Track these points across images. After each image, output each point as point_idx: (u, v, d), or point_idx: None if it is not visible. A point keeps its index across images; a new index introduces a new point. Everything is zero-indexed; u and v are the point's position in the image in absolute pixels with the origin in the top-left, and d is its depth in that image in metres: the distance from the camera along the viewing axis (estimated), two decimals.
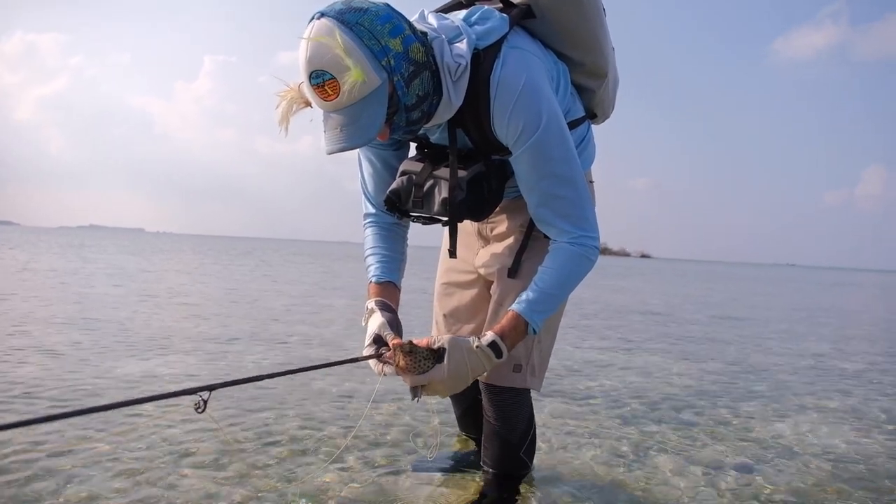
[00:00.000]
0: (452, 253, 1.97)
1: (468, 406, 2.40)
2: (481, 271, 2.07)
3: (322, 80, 1.42)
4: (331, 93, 1.43)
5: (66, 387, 3.36)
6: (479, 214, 1.79)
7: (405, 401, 3.36)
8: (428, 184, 1.74)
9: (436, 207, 1.73)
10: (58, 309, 6.62)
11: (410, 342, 1.63)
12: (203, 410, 1.29)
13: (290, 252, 41.00)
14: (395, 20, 1.49)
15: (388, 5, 1.52)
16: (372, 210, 1.98)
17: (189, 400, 1.32)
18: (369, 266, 1.95)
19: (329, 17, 1.42)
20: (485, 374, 1.89)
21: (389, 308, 1.83)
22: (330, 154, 1.49)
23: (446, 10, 1.86)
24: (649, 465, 2.56)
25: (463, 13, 1.72)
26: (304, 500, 2.02)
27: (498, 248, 2.01)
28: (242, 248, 46.62)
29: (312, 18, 1.44)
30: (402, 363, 1.61)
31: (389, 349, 1.67)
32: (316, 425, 2.87)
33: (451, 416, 2.67)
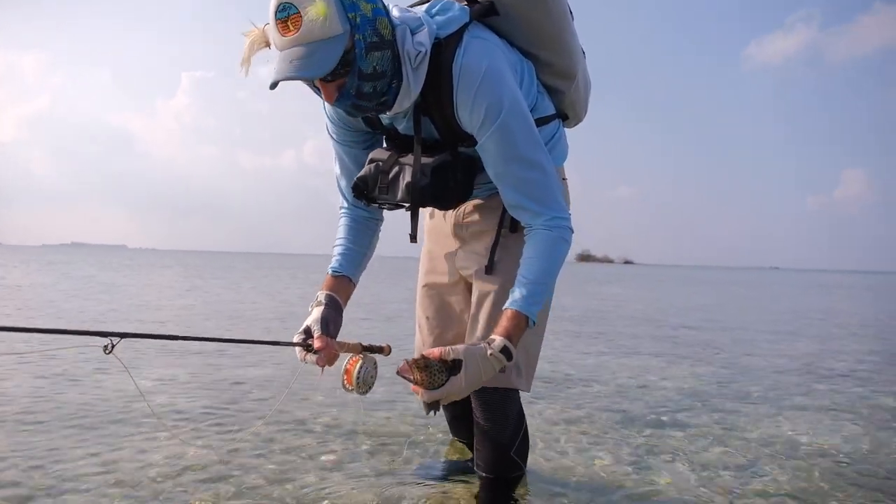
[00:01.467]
0: (413, 238, 1.96)
1: (459, 409, 2.35)
2: (461, 272, 2.07)
3: (287, 13, 1.42)
4: (291, 28, 1.43)
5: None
6: (444, 202, 1.80)
7: (397, 409, 3.30)
8: (394, 170, 1.76)
9: (399, 193, 1.75)
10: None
11: (423, 357, 1.59)
12: (110, 352, 1.39)
13: (274, 266, 40.89)
14: None
15: None
16: (344, 203, 2.02)
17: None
18: (332, 256, 1.98)
19: None
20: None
21: (334, 303, 1.86)
22: (273, 84, 1.45)
23: (411, 6, 1.86)
24: (647, 468, 2.51)
25: (424, 6, 1.74)
26: None
27: (474, 247, 2.02)
28: (225, 262, 46.46)
29: None
30: (418, 378, 1.58)
31: (314, 342, 1.69)
32: (312, 432, 2.80)
33: (443, 423, 2.62)
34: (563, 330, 7.51)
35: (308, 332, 1.75)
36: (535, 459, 2.48)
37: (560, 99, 2.01)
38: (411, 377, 1.58)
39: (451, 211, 2.05)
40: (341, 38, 1.45)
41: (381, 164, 1.79)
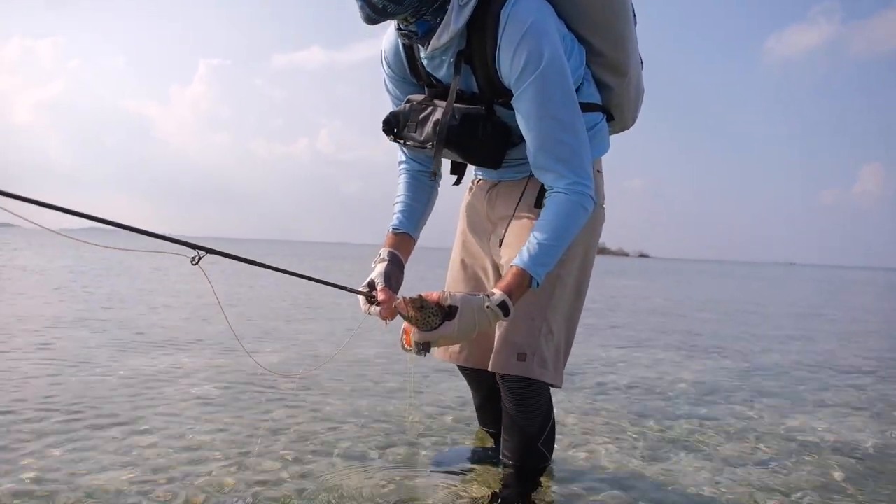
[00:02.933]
0: (433, 174, 1.99)
1: (486, 395, 2.37)
2: (497, 260, 2.08)
3: None
4: None
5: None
6: (468, 150, 1.82)
7: (421, 397, 3.33)
8: (427, 111, 1.80)
9: (426, 132, 1.78)
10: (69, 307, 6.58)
11: (420, 297, 1.65)
12: (196, 263, 1.53)
13: (287, 254, 40.99)
14: None
15: None
16: (403, 157, 2.06)
17: None
18: (393, 213, 2.02)
19: None
20: (491, 361, 1.94)
21: (396, 259, 1.91)
22: None
23: None
24: (667, 460, 2.53)
25: None
26: (324, 495, 1.98)
27: (508, 240, 2.01)
28: (241, 249, 46.61)
29: None
30: (412, 315, 1.63)
31: (378, 294, 1.74)
32: (347, 422, 2.84)
33: (467, 414, 2.64)
34: (580, 323, 7.50)
35: (372, 286, 1.79)
36: (555, 450, 2.51)
37: (608, 96, 2.00)
38: (406, 313, 1.62)
39: (495, 202, 2.06)
40: None
41: (415, 103, 1.83)
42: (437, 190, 2.08)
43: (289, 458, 2.34)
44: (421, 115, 1.79)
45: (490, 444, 2.48)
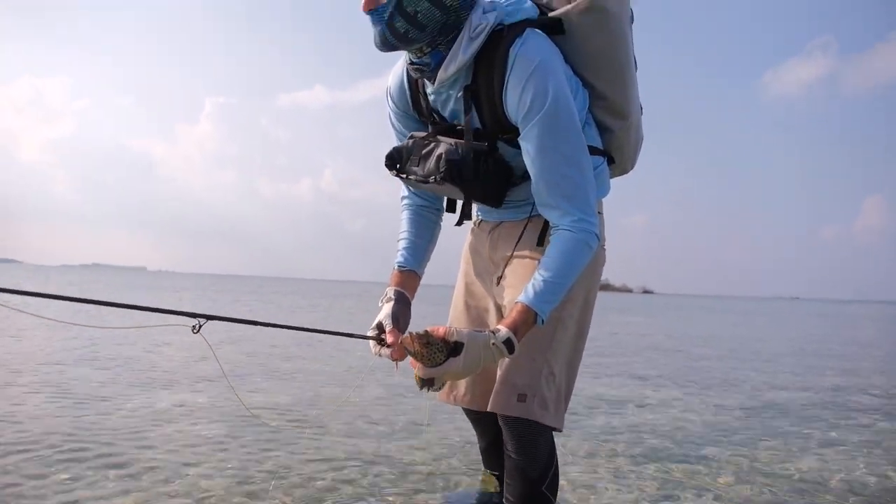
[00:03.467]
0: (464, 217, 2.01)
1: (491, 439, 2.34)
2: (499, 301, 2.08)
3: None
4: None
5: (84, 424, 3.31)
6: (468, 186, 1.81)
7: (426, 437, 3.30)
8: (430, 146, 1.81)
9: (430, 166, 1.78)
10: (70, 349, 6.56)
11: (427, 332, 1.64)
12: (198, 332, 1.52)
13: (289, 291, 40.99)
14: None
15: None
16: (406, 192, 2.07)
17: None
18: (397, 250, 2.02)
19: None
20: (491, 402, 1.92)
21: (403, 298, 1.90)
22: None
23: None
24: (673, 502, 2.48)
25: None
26: None
27: (510, 281, 2.01)
28: (252, 286, 46.65)
29: None
30: (418, 351, 1.62)
31: (387, 337, 1.73)
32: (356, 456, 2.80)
33: (473, 456, 2.61)
34: (584, 360, 7.44)
35: (381, 328, 1.79)
36: (560, 493, 2.46)
37: (608, 138, 2.02)
38: (412, 349, 1.62)
39: (497, 243, 2.06)
40: None
41: (418, 139, 1.85)
42: (440, 224, 2.10)
43: (291, 501, 2.31)
44: (424, 151, 1.81)
45: (495, 487, 2.44)
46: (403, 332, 1.79)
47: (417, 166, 1.81)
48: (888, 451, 3.52)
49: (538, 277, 1.71)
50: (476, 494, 2.47)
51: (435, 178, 1.79)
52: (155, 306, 1.59)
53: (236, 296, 25.43)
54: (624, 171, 2.19)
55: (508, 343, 1.66)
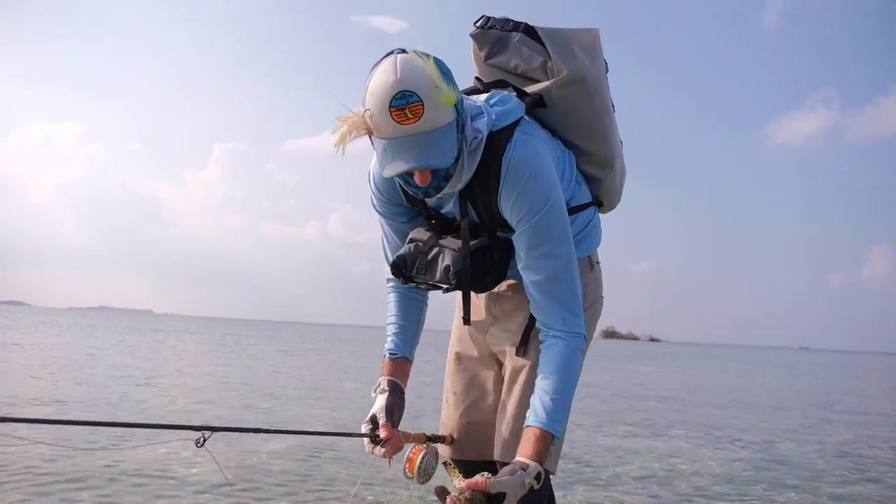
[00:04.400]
0: (466, 320, 2.00)
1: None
2: (492, 348, 2.07)
3: (407, 101, 1.45)
4: (411, 116, 1.45)
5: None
6: (480, 285, 1.83)
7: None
8: (433, 252, 1.79)
9: (438, 275, 1.77)
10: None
11: (472, 493, 1.59)
12: (202, 445, 1.46)
13: (293, 335, 40.75)
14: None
15: None
16: (391, 276, 2.00)
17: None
18: (386, 336, 2.00)
19: (413, 51, 1.50)
20: (497, 452, 1.89)
21: (396, 389, 1.86)
22: (392, 175, 1.51)
23: (467, 93, 1.94)
24: None
25: (484, 96, 1.81)
26: None
27: (506, 325, 2.01)
28: (256, 331, 46.43)
29: (391, 53, 1.50)
30: None
31: (381, 432, 1.70)
32: None
33: None
34: (591, 409, 7.42)
35: (374, 421, 1.77)
36: None
37: (597, 186, 2.05)
38: None
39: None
40: (454, 124, 1.52)
41: (420, 244, 1.82)
42: (426, 304, 2.06)
43: None
44: (429, 257, 1.80)
45: None
46: (397, 425, 1.78)
47: (424, 274, 1.80)
48: None
49: (545, 397, 1.70)
50: None
51: (446, 288, 1.82)
52: (155, 423, 1.56)
53: (238, 339, 25.31)
54: (612, 208, 2.22)
55: (538, 477, 1.62)
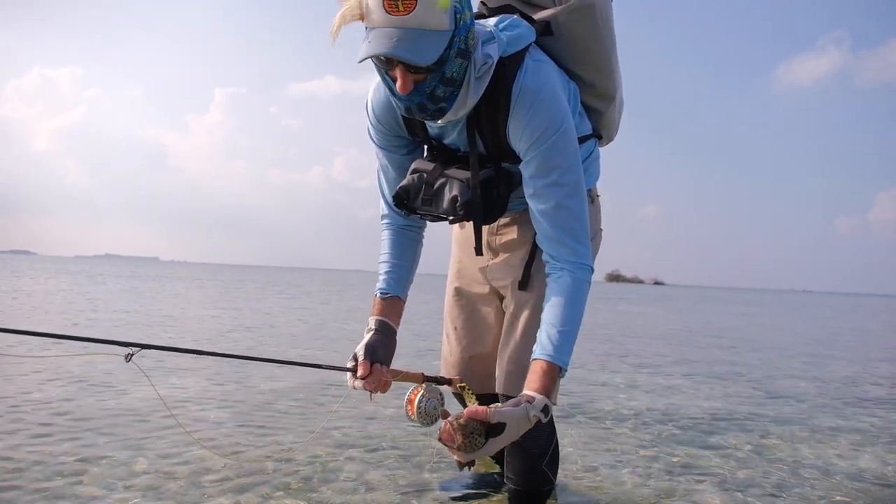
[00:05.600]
0: (479, 250, 1.97)
1: None
2: (493, 283, 2.06)
3: None
4: (402, 9, 1.42)
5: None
6: (487, 217, 1.80)
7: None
8: (438, 182, 1.76)
9: (444, 205, 1.75)
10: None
11: (467, 419, 1.53)
12: (129, 360, 1.47)
13: (298, 281, 41.13)
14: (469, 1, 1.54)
15: None
16: (386, 210, 1.99)
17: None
18: (379, 275, 1.96)
19: None
20: (500, 384, 1.92)
21: (385, 328, 1.85)
22: (365, 58, 1.45)
23: (476, 17, 1.88)
24: (677, 487, 2.49)
25: (493, 20, 1.75)
26: None
27: (507, 259, 2.01)
28: (261, 277, 46.89)
29: None
30: (460, 443, 1.54)
31: (358, 369, 1.69)
32: (340, 443, 2.82)
33: None
34: (593, 348, 7.46)
35: (356, 359, 1.76)
36: (563, 476, 2.47)
37: (597, 118, 2.02)
38: (455, 443, 1.53)
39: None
40: (446, 34, 1.46)
41: (425, 174, 1.79)
42: (422, 242, 2.03)
43: (295, 482, 2.33)
44: (434, 187, 1.76)
45: (496, 468, 2.45)
46: (386, 364, 1.76)
47: (429, 206, 1.77)
48: (893, 439, 3.51)
49: (552, 330, 1.67)
50: (477, 474, 2.48)
51: (452, 219, 1.79)
52: (84, 336, 1.56)
53: (248, 285, 25.51)
54: (610, 140, 2.19)
55: (545, 409, 1.62)
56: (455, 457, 1.58)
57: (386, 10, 1.42)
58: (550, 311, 1.70)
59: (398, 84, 1.51)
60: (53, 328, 7.23)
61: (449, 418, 1.57)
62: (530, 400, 1.62)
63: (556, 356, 1.65)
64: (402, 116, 1.83)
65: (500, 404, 1.60)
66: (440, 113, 1.62)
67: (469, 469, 1.67)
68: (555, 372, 1.66)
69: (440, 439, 1.55)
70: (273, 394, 3.99)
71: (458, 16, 1.48)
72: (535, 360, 1.68)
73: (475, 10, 1.97)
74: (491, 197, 1.76)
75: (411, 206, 1.81)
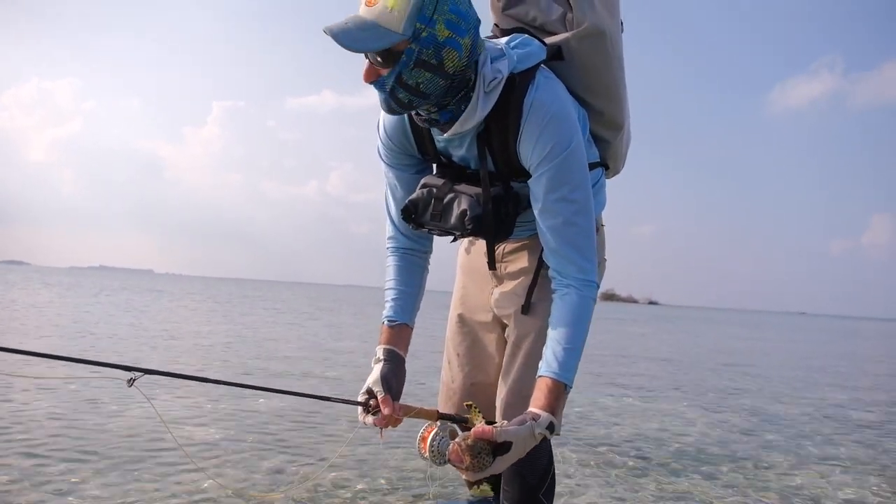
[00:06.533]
0: (491, 265, 2.00)
1: None
2: (496, 311, 2.07)
3: None
4: (370, 4, 1.53)
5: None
6: (494, 235, 1.82)
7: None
8: (448, 197, 1.78)
9: (453, 220, 1.76)
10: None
11: (474, 440, 1.56)
12: (132, 384, 1.51)
13: (292, 295, 40.96)
14: (466, 24, 1.57)
15: (479, 19, 1.61)
16: (392, 232, 2.00)
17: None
18: (385, 302, 1.96)
19: None
20: (499, 414, 1.92)
21: (395, 358, 1.85)
22: (325, 29, 1.53)
23: (488, 37, 1.92)
24: None
25: (505, 39, 1.79)
26: None
27: (511, 287, 2.01)
28: (259, 291, 46.64)
29: None
30: (468, 463, 1.57)
31: (381, 406, 1.69)
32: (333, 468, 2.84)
33: None
34: (586, 371, 7.48)
35: (370, 394, 1.75)
36: (555, 501, 2.49)
37: (605, 148, 2.04)
38: (464, 464, 1.55)
39: (485, 247, 2.07)
40: (394, 35, 1.52)
41: (434, 189, 1.80)
42: (427, 268, 2.04)
43: (293, 498, 2.35)
44: (444, 202, 1.78)
45: (488, 492, 2.47)
46: (397, 396, 1.76)
47: (438, 220, 1.78)
48: (884, 467, 3.54)
49: (557, 347, 1.70)
50: (474, 502, 2.50)
51: (459, 234, 1.81)
52: (90, 358, 1.60)
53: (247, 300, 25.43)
54: (616, 173, 2.21)
55: (551, 426, 1.63)
56: (464, 476, 1.60)
57: (365, 2, 1.54)
58: (556, 329, 1.72)
59: (364, 72, 1.61)
60: (53, 346, 7.22)
61: (457, 439, 1.59)
62: (535, 417, 1.64)
63: (561, 373, 1.67)
64: (413, 132, 1.86)
65: (506, 422, 1.63)
66: (436, 122, 1.69)
67: (478, 487, 1.68)
68: (560, 389, 1.67)
69: (448, 460, 1.58)
70: (270, 415, 4.00)
71: (419, 25, 1.52)
72: (540, 377, 1.69)
73: (490, 32, 2.01)
74: (500, 214, 1.77)
75: (419, 220, 1.81)
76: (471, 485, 1.64)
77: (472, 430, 1.60)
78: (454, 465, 1.58)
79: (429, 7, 1.52)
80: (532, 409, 1.66)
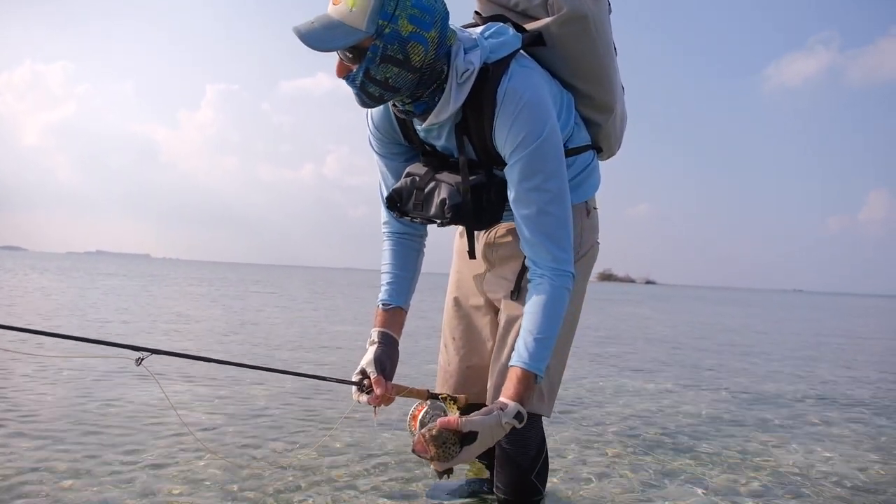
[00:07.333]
0: (472, 254, 2.02)
1: None
2: (488, 294, 2.10)
3: None
4: (336, 3, 1.57)
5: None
6: (476, 222, 1.84)
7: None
8: (429, 186, 1.80)
9: (433, 209, 1.79)
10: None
11: (439, 431, 1.60)
12: (140, 364, 1.60)
13: (288, 278, 40.99)
14: (431, 18, 1.58)
15: (447, 11, 1.63)
16: (387, 217, 2.04)
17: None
18: (381, 286, 2.01)
19: None
20: (489, 397, 1.95)
21: (388, 340, 1.90)
22: (294, 28, 1.55)
23: (465, 26, 1.92)
24: (663, 493, 2.53)
25: (479, 28, 1.80)
26: None
27: (502, 272, 2.04)
28: (255, 275, 46.66)
29: None
30: (433, 454, 1.61)
31: (374, 386, 1.76)
32: (327, 451, 2.86)
33: None
34: (582, 351, 7.51)
35: (364, 374, 1.81)
36: (550, 481, 2.51)
37: (596, 131, 2.05)
38: (428, 455, 1.61)
39: (481, 233, 2.09)
40: (356, 33, 1.55)
41: (416, 178, 1.83)
42: (423, 251, 2.07)
43: (280, 487, 2.36)
44: (425, 191, 1.80)
45: (485, 475, 2.49)
46: (390, 377, 1.82)
47: (421, 210, 1.82)
48: (876, 445, 3.57)
49: (528, 337, 1.72)
50: (466, 483, 2.52)
51: (441, 222, 1.83)
52: (94, 338, 1.67)
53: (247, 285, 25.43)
54: (611, 155, 2.21)
55: (518, 416, 1.67)
56: (432, 466, 1.64)
57: (331, 2, 1.57)
58: (528, 318, 1.75)
59: (336, 66, 1.64)
60: (60, 326, 7.23)
61: (422, 430, 1.62)
62: (503, 407, 1.67)
63: (531, 363, 1.70)
64: (398, 122, 1.89)
65: (471, 415, 1.66)
66: (411, 114, 1.73)
67: (447, 476, 1.72)
68: (529, 379, 1.70)
69: (414, 450, 1.62)
70: (269, 399, 4.02)
71: (382, 22, 1.54)
72: (511, 366, 1.73)
73: (471, 18, 2.01)
74: (481, 202, 1.78)
75: (403, 208, 1.86)
76: (440, 474, 1.67)
77: (439, 420, 1.63)
78: (420, 456, 1.62)
79: (390, 4, 1.54)
80: (501, 398, 1.70)
